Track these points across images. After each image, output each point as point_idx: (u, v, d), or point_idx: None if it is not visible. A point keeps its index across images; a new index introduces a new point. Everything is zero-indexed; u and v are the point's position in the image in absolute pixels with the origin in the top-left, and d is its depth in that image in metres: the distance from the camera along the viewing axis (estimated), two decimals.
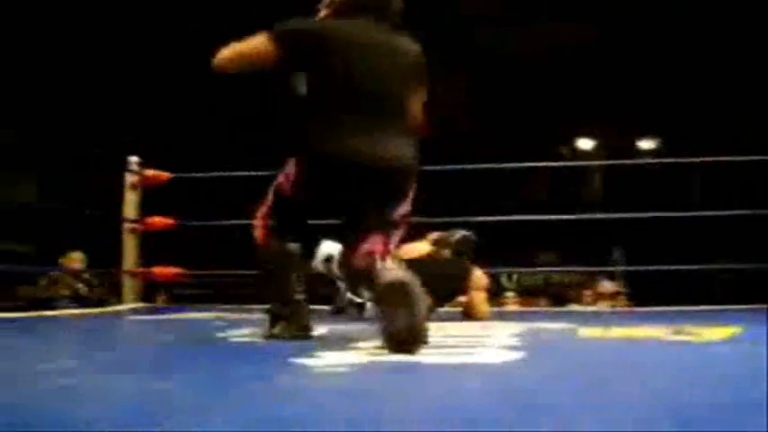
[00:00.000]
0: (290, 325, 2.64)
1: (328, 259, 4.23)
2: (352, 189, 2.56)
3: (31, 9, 10.38)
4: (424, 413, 1.38)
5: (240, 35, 2.64)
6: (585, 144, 13.91)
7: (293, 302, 2.66)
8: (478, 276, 4.11)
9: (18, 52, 10.94)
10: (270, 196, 2.77)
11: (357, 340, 2.48)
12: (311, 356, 2.01)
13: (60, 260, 6.92)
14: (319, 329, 2.91)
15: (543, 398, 1.50)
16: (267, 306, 2.73)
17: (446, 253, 4.12)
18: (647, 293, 6.69)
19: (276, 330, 2.65)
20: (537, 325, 3.46)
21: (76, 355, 2.40)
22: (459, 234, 4.20)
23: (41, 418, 1.31)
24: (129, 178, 5.21)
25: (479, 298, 4.07)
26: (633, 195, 9.05)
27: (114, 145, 6.73)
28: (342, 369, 1.84)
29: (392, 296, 2.16)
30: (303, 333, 2.64)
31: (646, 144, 13.71)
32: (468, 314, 4.03)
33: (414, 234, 4.18)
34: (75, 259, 6.80)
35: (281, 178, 2.72)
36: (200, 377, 1.80)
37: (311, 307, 2.76)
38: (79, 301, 6.24)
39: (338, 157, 2.53)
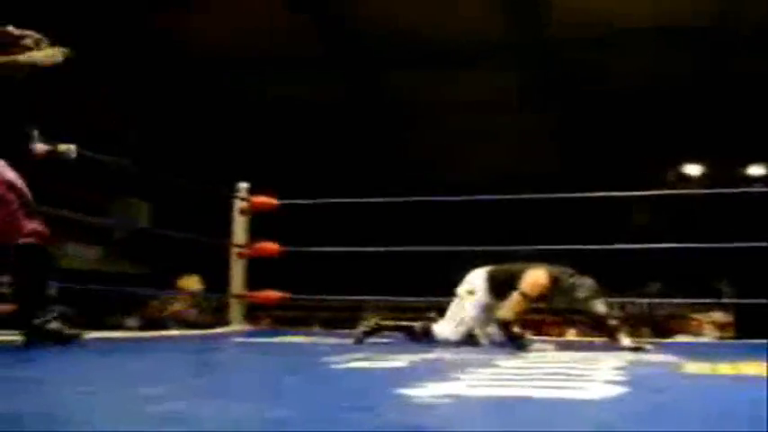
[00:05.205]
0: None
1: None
2: None
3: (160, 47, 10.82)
4: None
5: None
6: (692, 170, 13.55)
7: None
8: (531, 280, 3.94)
9: (131, 80, 11.41)
10: None
11: (460, 370, 2.51)
12: (414, 386, 2.05)
13: (178, 282, 6.90)
14: (424, 356, 2.96)
15: None
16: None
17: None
18: (757, 324, 6.48)
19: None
20: (642, 357, 3.42)
21: (186, 378, 2.52)
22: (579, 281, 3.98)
23: None
24: (239, 204, 5.38)
25: (515, 300, 3.93)
26: (740, 223, 8.78)
27: (224, 171, 6.92)
28: (443, 400, 1.87)
29: None
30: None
31: (755, 170, 13.27)
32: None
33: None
34: (193, 282, 6.85)
35: None
36: (304, 406, 1.85)
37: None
38: (188, 323, 6.40)
39: None
